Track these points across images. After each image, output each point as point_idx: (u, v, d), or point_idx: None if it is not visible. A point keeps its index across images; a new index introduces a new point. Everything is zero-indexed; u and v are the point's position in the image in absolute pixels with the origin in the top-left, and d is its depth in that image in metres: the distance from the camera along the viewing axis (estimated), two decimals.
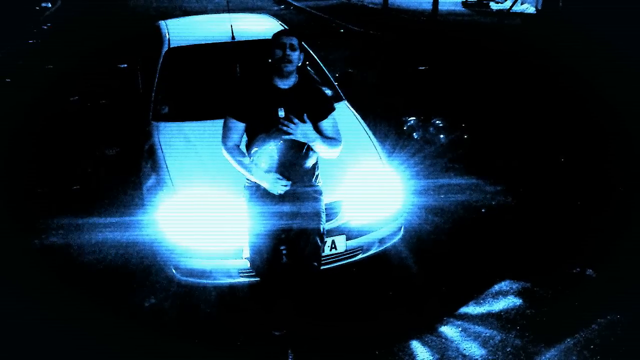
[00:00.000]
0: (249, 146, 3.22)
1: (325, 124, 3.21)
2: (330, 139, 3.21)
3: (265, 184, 3.14)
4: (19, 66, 10.01)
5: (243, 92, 3.19)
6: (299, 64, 3.15)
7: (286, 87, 3.14)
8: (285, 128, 3.00)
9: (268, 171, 3.15)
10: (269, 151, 3.12)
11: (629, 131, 6.43)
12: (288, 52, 3.05)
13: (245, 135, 3.24)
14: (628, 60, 8.93)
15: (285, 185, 3.14)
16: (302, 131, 3.04)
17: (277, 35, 3.12)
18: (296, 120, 3.02)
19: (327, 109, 3.22)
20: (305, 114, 3.07)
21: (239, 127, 3.17)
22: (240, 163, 3.18)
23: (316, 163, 3.29)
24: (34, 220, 4.90)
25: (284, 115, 3.07)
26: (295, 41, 3.08)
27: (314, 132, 3.10)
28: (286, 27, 5.62)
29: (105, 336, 3.54)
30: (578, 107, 7.43)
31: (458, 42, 11.35)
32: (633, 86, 7.87)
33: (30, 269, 4.22)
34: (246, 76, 3.27)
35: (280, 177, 3.13)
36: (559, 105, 7.56)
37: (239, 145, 3.22)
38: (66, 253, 4.44)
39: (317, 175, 3.31)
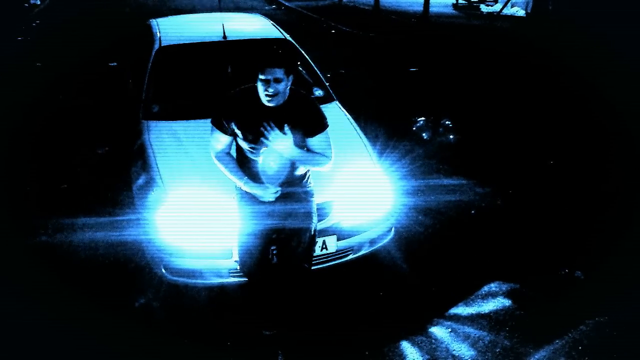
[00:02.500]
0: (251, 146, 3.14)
1: (312, 142, 3.11)
2: (314, 155, 3.11)
3: (255, 192, 3.13)
4: (7, 63, 9.90)
5: (231, 105, 3.09)
6: (288, 88, 2.97)
7: (274, 104, 2.99)
8: (265, 133, 2.95)
9: (279, 170, 3.10)
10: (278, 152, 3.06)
11: (618, 131, 6.51)
12: (272, 86, 2.87)
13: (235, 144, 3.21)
14: (623, 60, 9.01)
15: (276, 193, 3.12)
16: (278, 142, 2.96)
17: (262, 66, 2.86)
18: (276, 130, 2.95)
19: (316, 128, 3.08)
20: (286, 125, 2.98)
21: (226, 137, 3.14)
22: (231, 170, 3.16)
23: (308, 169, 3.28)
24: (22, 220, 4.85)
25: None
26: (280, 73, 2.86)
27: (292, 146, 3.01)
28: (278, 27, 5.62)
29: (105, 336, 3.52)
30: (575, 106, 7.48)
31: (449, 43, 11.41)
32: (631, 86, 7.93)
33: (30, 269, 4.17)
34: (235, 88, 3.19)
35: (270, 185, 3.10)
36: (554, 105, 7.61)
37: (229, 152, 3.20)
38: (58, 253, 4.41)
39: (309, 176, 3.31)
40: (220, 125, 3.10)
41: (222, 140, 3.14)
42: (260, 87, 2.92)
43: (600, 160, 6.02)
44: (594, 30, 10.59)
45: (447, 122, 6.96)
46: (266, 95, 2.91)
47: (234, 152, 3.24)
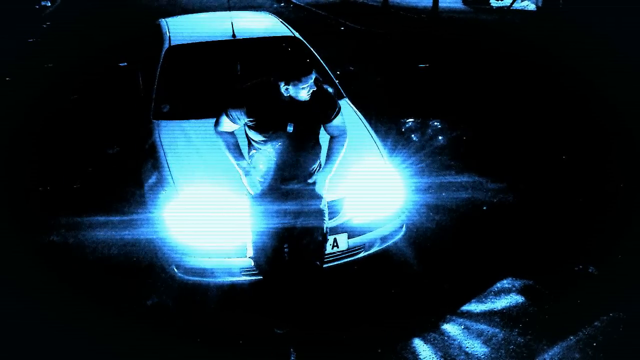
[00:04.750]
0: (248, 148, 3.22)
1: (332, 125, 3.24)
2: (336, 150, 3.29)
3: (244, 180, 3.23)
4: (19, 65, 9.98)
5: (247, 99, 3.11)
6: None
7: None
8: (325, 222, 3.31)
9: (267, 172, 3.15)
10: (268, 153, 3.12)
11: (631, 130, 6.42)
12: (308, 92, 3.00)
13: (246, 138, 3.24)
14: (629, 59, 8.89)
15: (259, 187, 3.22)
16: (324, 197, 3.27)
17: (298, 76, 2.93)
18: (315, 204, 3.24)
19: (332, 113, 3.20)
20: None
21: (233, 126, 3.17)
22: (229, 148, 3.24)
23: (319, 161, 3.28)
24: (35, 219, 4.89)
25: (292, 130, 3.06)
26: (312, 78, 2.98)
27: (325, 177, 3.27)
28: (287, 25, 5.61)
29: (105, 336, 3.53)
30: (580, 106, 7.41)
31: (459, 40, 11.34)
32: (636, 85, 7.83)
33: (30, 269, 4.19)
34: (255, 80, 3.22)
35: (261, 179, 3.19)
36: (561, 104, 7.54)
37: (232, 132, 3.27)
38: (67, 252, 4.44)
39: (317, 172, 3.30)
40: (233, 117, 3.13)
41: (228, 126, 3.21)
42: (299, 92, 2.98)
43: (601, 159, 5.93)
44: (604, 27, 10.45)
45: (456, 119, 6.92)
46: (307, 96, 3.03)
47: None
